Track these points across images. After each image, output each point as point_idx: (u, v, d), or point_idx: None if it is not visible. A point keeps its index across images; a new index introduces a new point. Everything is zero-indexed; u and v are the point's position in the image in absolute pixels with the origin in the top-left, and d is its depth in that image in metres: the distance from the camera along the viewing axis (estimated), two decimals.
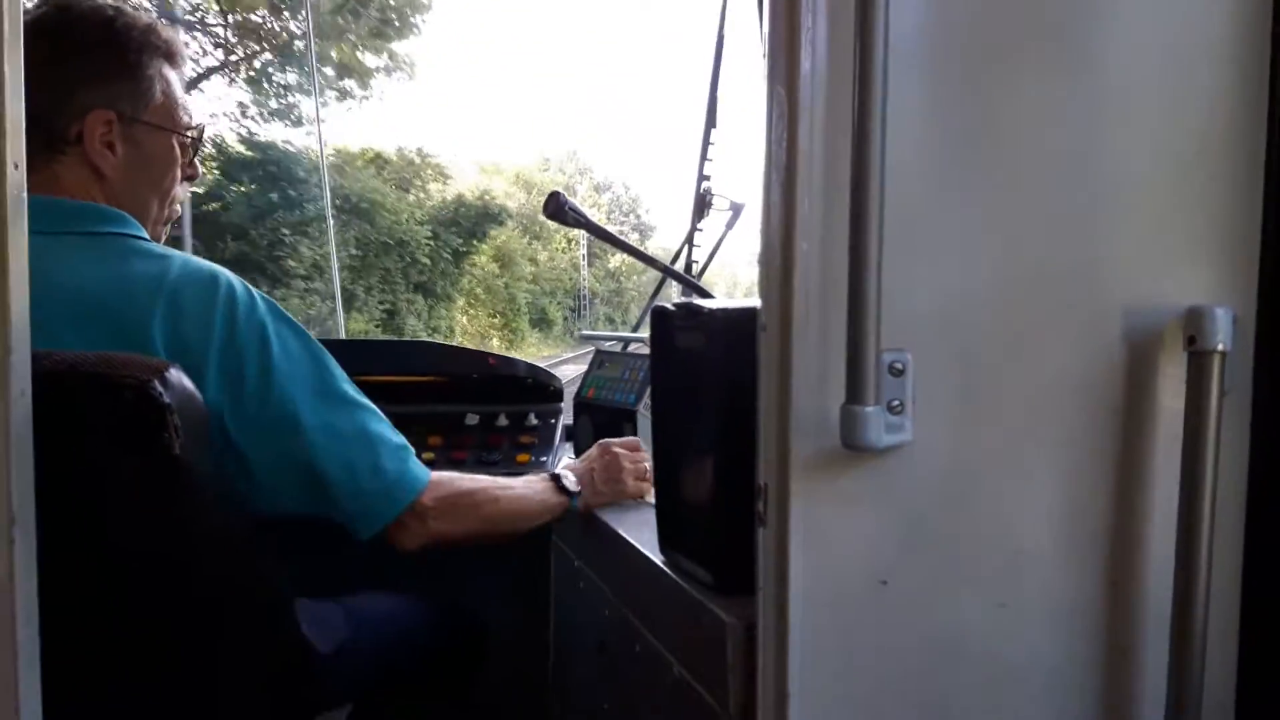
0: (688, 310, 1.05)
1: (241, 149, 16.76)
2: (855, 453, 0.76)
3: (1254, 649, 0.83)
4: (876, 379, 0.74)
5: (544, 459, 1.81)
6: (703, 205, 2.11)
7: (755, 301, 0.85)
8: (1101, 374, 0.81)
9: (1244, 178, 0.81)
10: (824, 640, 0.80)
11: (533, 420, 1.89)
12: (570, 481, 1.42)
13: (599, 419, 1.74)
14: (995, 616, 0.82)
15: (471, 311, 24.23)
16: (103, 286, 1.12)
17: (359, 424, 1.22)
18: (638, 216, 45.94)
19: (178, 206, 1.36)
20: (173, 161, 1.31)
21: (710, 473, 1.00)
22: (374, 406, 1.25)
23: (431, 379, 1.96)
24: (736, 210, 2.13)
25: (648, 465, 1.48)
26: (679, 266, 2.11)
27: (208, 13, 16.54)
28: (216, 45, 16.89)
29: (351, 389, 1.24)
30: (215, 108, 16.84)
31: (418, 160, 23.32)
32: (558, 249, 33.75)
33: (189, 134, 1.33)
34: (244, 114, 17.38)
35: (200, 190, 14.24)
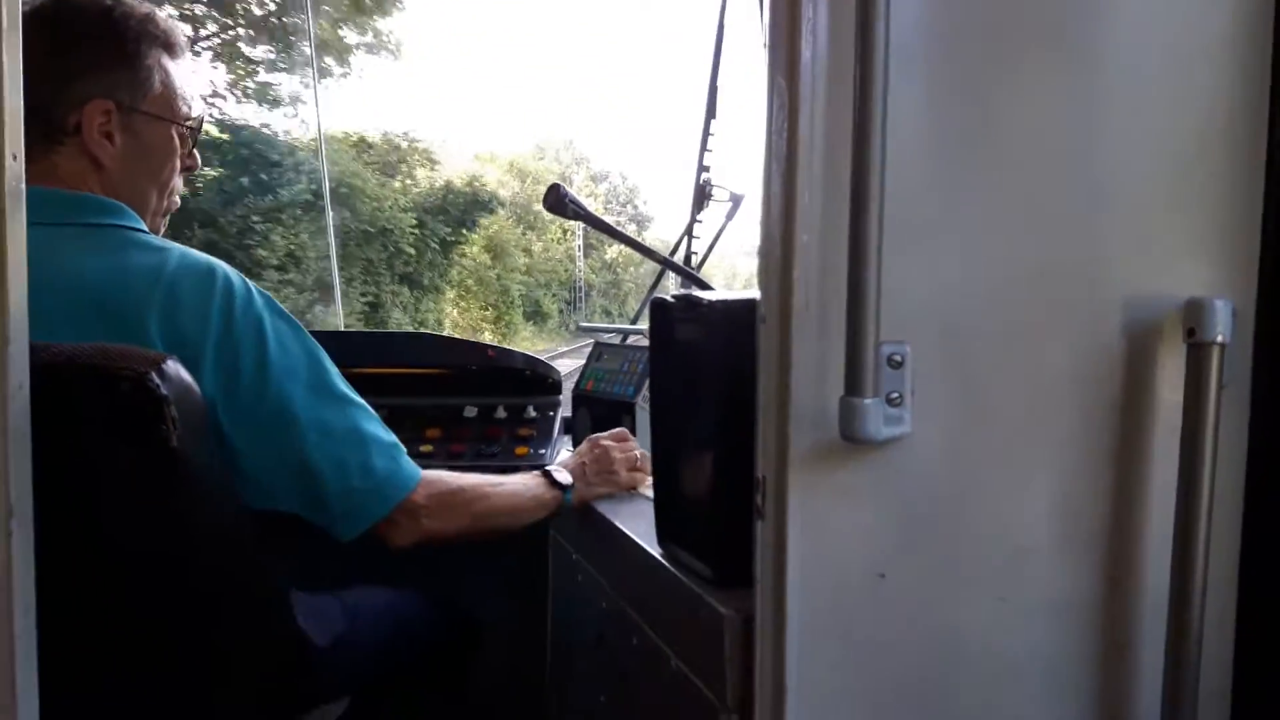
0: (687, 302, 1.05)
1: (212, 130, 15.76)
2: (854, 445, 0.76)
3: (1250, 643, 0.83)
4: (875, 371, 0.74)
5: (542, 451, 1.80)
6: (703, 196, 2.11)
7: (754, 293, 0.85)
8: (1101, 366, 0.81)
9: (1244, 171, 0.81)
10: (822, 633, 0.80)
11: (531, 413, 1.89)
12: (562, 476, 1.42)
13: (598, 411, 1.73)
14: (993, 610, 0.82)
15: (463, 304, 23.55)
16: (100, 278, 1.12)
17: (351, 422, 1.21)
18: (635, 207, 45.54)
19: (176, 198, 1.36)
20: (171, 152, 1.30)
21: (709, 465, 0.99)
22: (366, 404, 1.25)
23: (429, 371, 1.95)
24: (736, 201, 2.13)
25: (638, 454, 1.48)
26: (678, 258, 2.10)
27: None
28: (184, 19, 15.59)
29: (345, 386, 1.24)
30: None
31: (404, 145, 22.37)
32: (553, 240, 32.92)
33: (188, 124, 1.32)
34: (214, 93, 16.32)
35: None
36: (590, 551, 1.42)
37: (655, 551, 1.12)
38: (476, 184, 23.49)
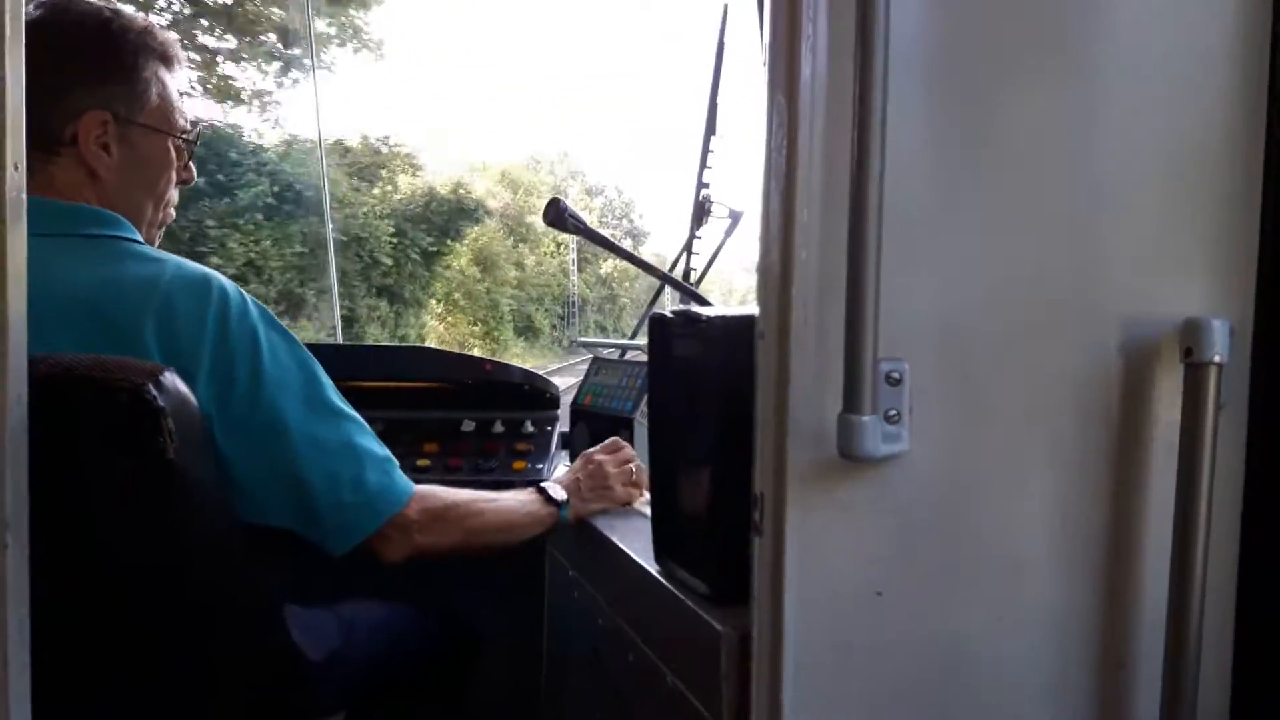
0: (686, 318, 1.05)
1: None
2: (852, 462, 0.76)
3: (1248, 661, 0.83)
4: (874, 388, 0.74)
5: (540, 466, 1.80)
6: (702, 212, 2.11)
7: (753, 309, 0.85)
8: (1098, 385, 0.81)
9: (1242, 188, 0.81)
10: (819, 650, 0.80)
11: (529, 427, 1.89)
12: (556, 491, 1.42)
13: (596, 426, 1.73)
14: (991, 628, 0.82)
15: (450, 319, 22.65)
16: (96, 289, 1.12)
17: (344, 435, 1.21)
18: (631, 221, 45.36)
19: (172, 210, 1.36)
20: (168, 164, 1.31)
21: (707, 481, 0.99)
22: (360, 418, 1.25)
23: (427, 385, 1.95)
24: (735, 218, 2.13)
25: (634, 465, 1.48)
26: (677, 274, 2.11)
27: None
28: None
29: (339, 400, 1.24)
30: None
31: (385, 150, 21.36)
32: (546, 252, 31.97)
33: (184, 137, 1.32)
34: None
35: None
36: (587, 567, 1.42)
37: (652, 568, 1.12)
38: (462, 191, 22.50)
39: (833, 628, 0.80)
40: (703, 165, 2.14)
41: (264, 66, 16.56)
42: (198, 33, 15.16)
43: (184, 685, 1.11)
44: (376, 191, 20.07)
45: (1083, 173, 0.81)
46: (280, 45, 16.15)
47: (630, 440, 1.61)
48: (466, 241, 22.83)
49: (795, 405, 0.78)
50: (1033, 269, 0.80)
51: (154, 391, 0.95)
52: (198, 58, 15.48)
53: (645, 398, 1.62)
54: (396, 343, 17.74)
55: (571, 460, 1.67)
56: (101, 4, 1.26)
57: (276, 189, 15.46)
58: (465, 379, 1.95)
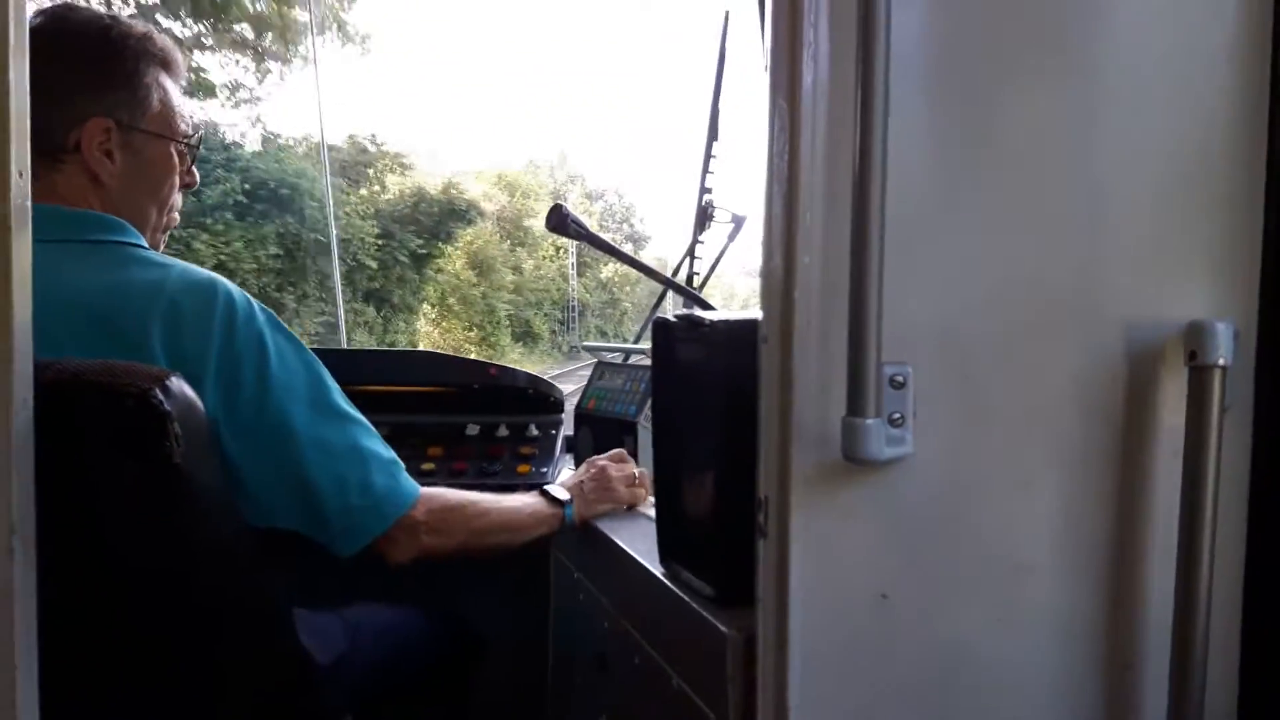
0: (689, 322, 1.05)
1: None
2: (856, 465, 0.76)
3: (1255, 665, 0.82)
4: (877, 391, 0.74)
5: (544, 470, 1.80)
6: (704, 217, 2.11)
7: (756, 313, 0.85)
8: (1102, 388, 0.81)
9: (1244, 189, 0.81)
10: (824, 653, 0.80)
11: (533, 431, 1.89)
12: (560, 493, 1.42)
13: (599, 430, 1.74)
14: (996, 631, 0.82)
15: (444, 324, 22.12)
16: (102, 295, 1.12)
17: (351, 439, 1.22)
18: (631, 226, 45.19)
19: (176, 215, 1.37)
20: (171, 169, 1.31)
21: (711, 484, 1.00)
22: (366, 422, 1.25)
23: (432, 389, 1.96)
24: (738, 223, 2.13)
25: (636, 472, 1.48)
26: (680, 278, 2.11)
27: None
28: None
29: (345, 403, 1.24)
30: None
31: (372, 149, 20.67)
32: (544, 256, 31.24)
33: (187, 141, 1.33)
34: None
35: None
36: (592, 570, 1.42)
37: (657, 570, 1.12)
38: (453, 192, 21.65)
39: (837, 630, 0.80)
40: (705, 170, 2.14)
41: (237, 58, 15.68)
42: (160, 16, 13.76)
43: (191, 690, 1.11)
44: (364, 192, 19.35)
45: (1084, 175, 0.81)
46: (254, 34, 15.09)
47: (634, 444, 1.61)
48: (460, 244, 22.20)
49: (799, 408, 0.78)
50: (1035, 271, 0.81)
51: (161, 396, 0.96)
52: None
53: (649, 402, 1.62)
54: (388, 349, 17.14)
55: (576, 464, 1.68)
56: (100, 11, 1.26)
57: (248, 186, 14.96)
58: (470, 383, 1.95)
